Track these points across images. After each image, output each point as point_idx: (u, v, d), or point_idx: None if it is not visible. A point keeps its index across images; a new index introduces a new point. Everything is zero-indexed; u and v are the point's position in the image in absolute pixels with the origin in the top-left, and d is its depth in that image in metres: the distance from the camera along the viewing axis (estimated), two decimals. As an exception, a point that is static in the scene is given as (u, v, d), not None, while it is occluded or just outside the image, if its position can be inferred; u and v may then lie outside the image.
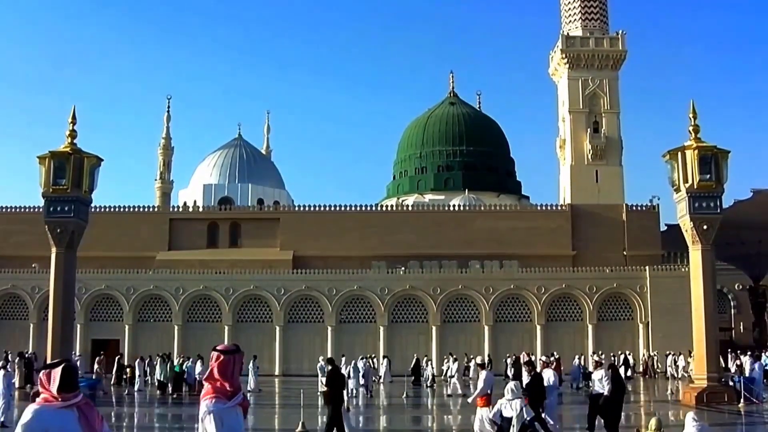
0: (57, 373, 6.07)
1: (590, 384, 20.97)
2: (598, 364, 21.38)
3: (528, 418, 16.47)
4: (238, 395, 6.38)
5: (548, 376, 20.52)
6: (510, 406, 16.47)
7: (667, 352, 54.80)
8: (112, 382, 45.11)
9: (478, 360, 20.26)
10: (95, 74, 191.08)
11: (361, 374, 38.90)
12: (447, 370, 48.01)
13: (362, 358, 42.52)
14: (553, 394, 20.32)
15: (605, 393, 19.63)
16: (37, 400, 6.12)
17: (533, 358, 49.62)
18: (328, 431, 18.91)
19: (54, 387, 6.01)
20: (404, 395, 37.65)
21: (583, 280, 60.54)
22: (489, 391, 17.69)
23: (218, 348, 6.64)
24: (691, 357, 51.08)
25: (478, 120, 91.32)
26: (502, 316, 60.65)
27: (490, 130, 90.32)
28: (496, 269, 63.22)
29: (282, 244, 68.72)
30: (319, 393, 39.84)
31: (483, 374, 18.35)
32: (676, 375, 51.64)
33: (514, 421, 16.41)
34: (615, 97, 75.25)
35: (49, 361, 6.86)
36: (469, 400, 18.22)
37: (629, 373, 50.84)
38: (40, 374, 6.16)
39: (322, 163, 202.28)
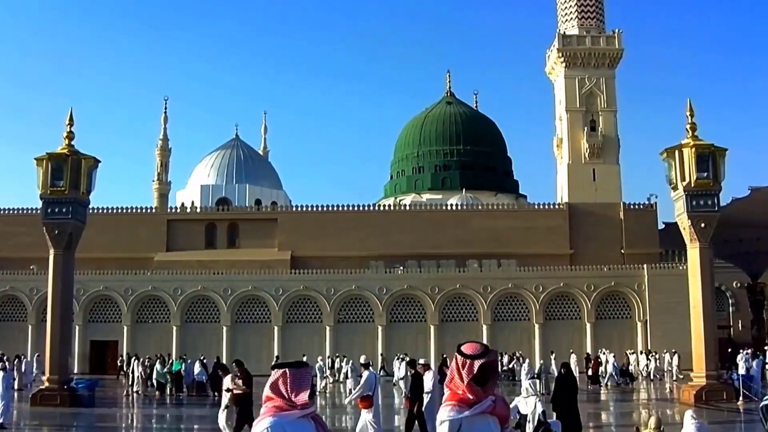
0: (306, 377, 5.21)
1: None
2: (425, 367, 19.76)
3: (540, 412, 16.47)
4: (482, 402, 5.39)
5: (428, 379, 19.22)
6: (526, 403, 16.50)
7: (630, 351, 54.81)
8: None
9: (362, 359, 19.49)
10: (92, 75, 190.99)
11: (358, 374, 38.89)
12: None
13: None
14: (434, 399, 18.89)
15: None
16: (265, 408, 5.19)
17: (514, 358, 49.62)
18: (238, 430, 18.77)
19: (303, 394, 5.12)
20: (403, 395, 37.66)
21: (581, 278, 60.64)
22: (370, 393, 17.06)
23: (463, 350, 5.56)
24: (651, 356, 51.57)
25: (475, 119, 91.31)
26: (500, 315, 60.72)
27: (487, 130, 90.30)
28: (494, 268, 63.27)
29: (280, 245, 68.73)
30: (318, 391, 40.00)
31: (365, 374, 17.68)
32: (642, 374, 51.75)
33: (529, 417, 16.42)
34: (612, 95, 75.24)
35: (281, 361, 5.74)
36: (347, 400, 17.35)
37: (591, 372, 50.57)
38: (273, 377, 5.21)
39: (320, 163, 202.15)
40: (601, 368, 46.76)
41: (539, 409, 16.44)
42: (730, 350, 47.11)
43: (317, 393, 38.09)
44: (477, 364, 5.41)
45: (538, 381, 20.18)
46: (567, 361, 20.97)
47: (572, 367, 39.67)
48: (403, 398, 19.97)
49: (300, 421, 5.12)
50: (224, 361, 54.39)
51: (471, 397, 5.40)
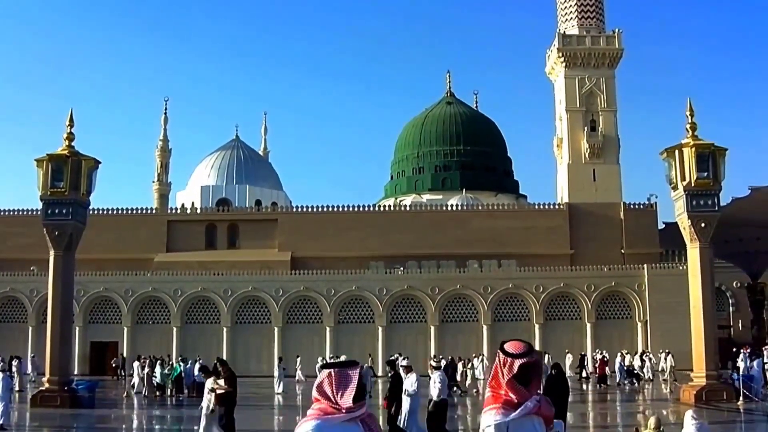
0: (352, 377, 4.80)
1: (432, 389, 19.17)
2: (407, 369, 19.55)
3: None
4: (527, 403, 5.14)
5: (411, 381, 19.01)
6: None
7: (625, 351, 54.89)
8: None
9: (320, 361, 19.37)
10: (92, 76, 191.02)
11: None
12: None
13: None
14: (416, 401, 19.04)
15: (440, 397, 18.63)
16: (311, 411, 4.85)
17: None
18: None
19: (348, 395, 4.74)
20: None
21: (582, 278, 60.61)
22: None
23: (506, 348, 5.28)
24: (644, 356, 51.54)
25: (475, 119, 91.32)
26: (500, 316, 60.69)
27: (488, 130, 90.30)
28: (494, 268, 63.25)
29: (280, 245, 68.71)
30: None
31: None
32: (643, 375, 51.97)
33: None
34: (612, 95, 75.24)
35: (328, 361, 5.11)
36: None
37: (584, 373, 50.83)
38: (320, 378, 4.87)
39: (320, 164, 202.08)
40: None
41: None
42: (735, 350, 47.08)
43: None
44: (518, 363, 5.18)
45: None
46: (558, 362, 20.58)
47: (567, 368, 40.00)
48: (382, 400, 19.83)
49: (345, 425, 4.75)
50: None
51: (513, 396, 5.17)
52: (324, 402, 4.78)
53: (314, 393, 4.84)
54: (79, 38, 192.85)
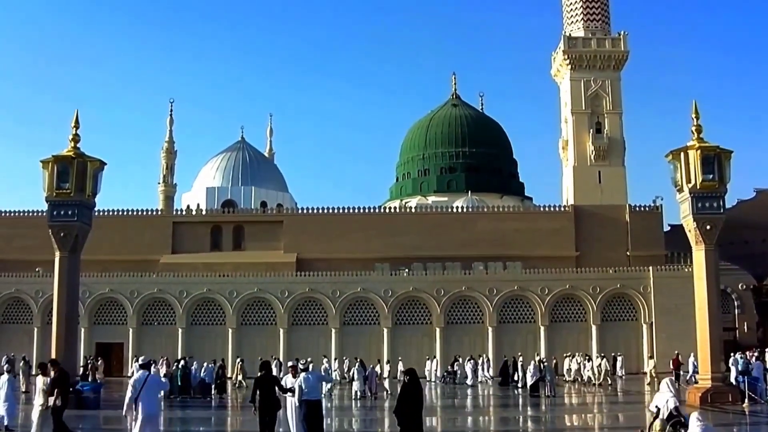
0: None
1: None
2: (294, 369, 19.23)
3: (673, 407, 16.67)
4: None
5: (299, 381, 18.57)
6: (662, 399, 17.00)
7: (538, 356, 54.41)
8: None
9: (140, 360, 19.15)
10: (98, 77, 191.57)
11: (365, 375, 39.01)
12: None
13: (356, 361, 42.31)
14: (304, 402, 18.40)
15: (314, 397, 18.38)
16: None
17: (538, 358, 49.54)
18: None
19: None
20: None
21: (587, 280, 60.52)
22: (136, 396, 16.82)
23: None
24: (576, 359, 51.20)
25: (480, 121, 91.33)
26: (505, 318, 60.65)
27: (493, 132, 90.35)
28: (499, 270, 63.18)
29: (285, 247, 68.71)
30: (324, 394, 39.93)
31: (138, 374, 17.39)
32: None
33: (663, 412, 16.73)
34: (617, 97, 75.26)
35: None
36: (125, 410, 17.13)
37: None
38: None
39: (325, 166, 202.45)
40: (582, 368, 46.55)
41: (671, 404, 16.68)
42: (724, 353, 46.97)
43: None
44: None
45: (673, 380, 19.77)
46: (413, 368, 19.38)
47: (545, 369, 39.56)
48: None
49: None
50: (228, 364, 54.56)
51: None
52: None
53: None
54: (84, 40, 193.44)
